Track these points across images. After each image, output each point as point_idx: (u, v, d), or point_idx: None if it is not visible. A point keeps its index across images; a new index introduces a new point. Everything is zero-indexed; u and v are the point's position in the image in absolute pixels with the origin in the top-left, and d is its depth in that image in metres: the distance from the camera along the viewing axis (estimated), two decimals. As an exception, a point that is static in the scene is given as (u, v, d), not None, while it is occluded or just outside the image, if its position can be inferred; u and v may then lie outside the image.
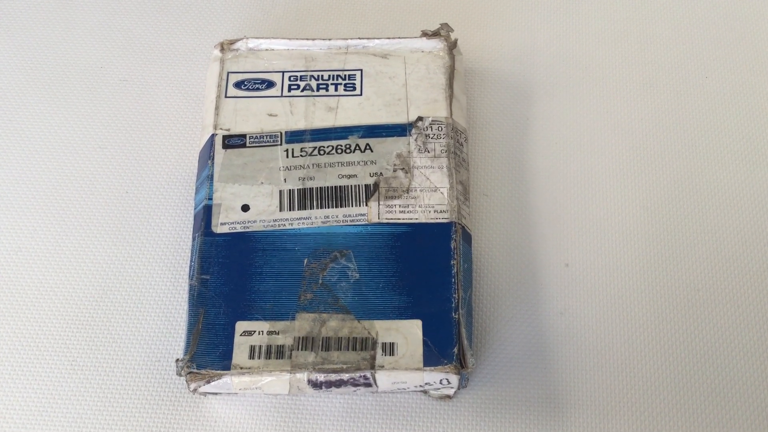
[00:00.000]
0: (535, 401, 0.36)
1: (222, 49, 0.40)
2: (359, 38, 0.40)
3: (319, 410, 0.36)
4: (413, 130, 0.38)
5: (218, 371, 0.33)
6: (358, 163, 0.37)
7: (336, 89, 0.39)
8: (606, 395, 0.36)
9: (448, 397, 0.36)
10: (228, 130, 0.38)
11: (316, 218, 0.36)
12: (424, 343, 0.33)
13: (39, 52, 0.44)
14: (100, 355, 0.37)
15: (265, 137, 0.38)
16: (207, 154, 0.38)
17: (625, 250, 0.39)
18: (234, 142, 0.38)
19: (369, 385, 0.33)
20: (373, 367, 0.33)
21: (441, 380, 0.33)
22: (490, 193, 0.41)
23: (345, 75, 0.40)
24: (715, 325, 0.37)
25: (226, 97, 0.39)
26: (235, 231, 0.36)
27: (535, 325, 0.37)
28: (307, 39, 0.40)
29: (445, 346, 0.33)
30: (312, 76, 0.40)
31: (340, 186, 0.37)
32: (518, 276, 0.38)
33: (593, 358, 0.37)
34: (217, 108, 0.39)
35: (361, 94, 0.39)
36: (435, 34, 0.41)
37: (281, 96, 0.39)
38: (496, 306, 0.38)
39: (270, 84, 0.39)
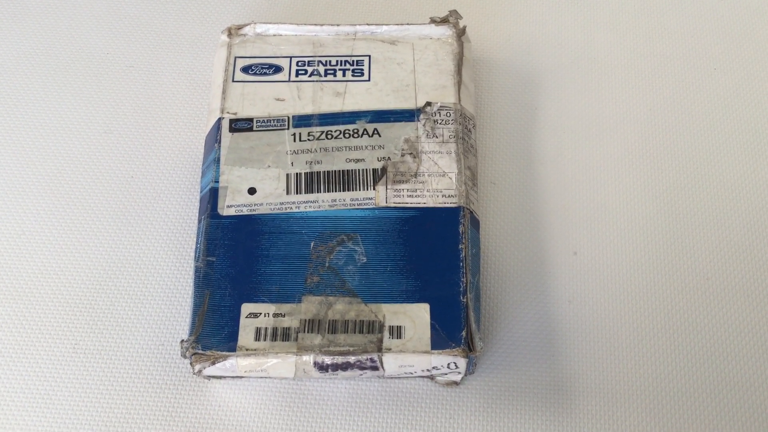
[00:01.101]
0: (542, 389, 0.35)
1: (229, 34, 0.40)
2: (367, 24, 0.40)
3: (324, 396, 0.35)
4: (421, 116, 0.38)
5: (224, 353, 0.32)
6: (366, 147, 0.37)
7: (344, 74, 0.39)
8: (614, 383, 0.36)
9: (455, 383, 0.35)
10: (235, 113, 0.38)
11: (323, 202, 0.36)
12: (432, 326, 0.33)
13: (46, 38, 0.44)
14: (103, 339, 0.36)
15: (272, 121, 0.38)
16: (214, 138, 0.37)
17: (634, 239, 0.39)
18: (241, 125, 0.38)
19: (376, 368, 0.33)
20: (380, 349, 0.32)
21: (449, 364, 0.33)
22: (498, 182, 0.40)
23: (353, 60, 0.39)
24: (724, 313, 0.37)
25: (233, 81, 0.39)
26: (241, 213, 0.35)
27: (543, 312, 0.37)
28: (315, 24, 0.40)
29: (453, 330, 0.33)
30: (320, 61, 0.39)
31: (347, 170, 0.36)
32: (526, 264, 0.38)
33: (601, 345, 0.36)
34: (224, 92, 0.38)
35: (369, 80, 0.39)
36: (444, 21, 0.40)
37: (289, 81, 0.39)
38: (504, 294, 0.37)
39: (277, 69, 0.39)
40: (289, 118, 0.38)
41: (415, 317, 0.33)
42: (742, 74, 0.43)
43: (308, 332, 0.33)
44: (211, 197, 0.36)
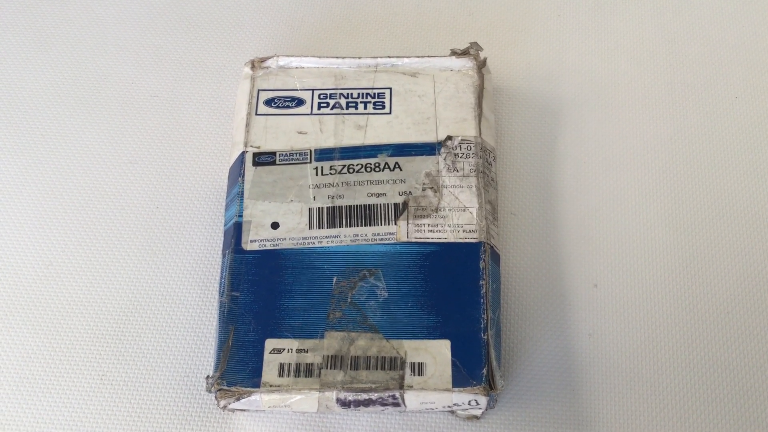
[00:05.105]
0: (563, 423, 0.36)
1: (253, 67, 0.41)
2: (388, 57, 0.41)
3: (346, 428, 0.36)
4: (442, 149, 0.38)
5: (248, 389, 0.33)
6: (387, 181, 0.37)
7: (365, 107, 0.39)
8: (635, 417, 0.36)
9: (476, 417, 0.35)
10: (258, 147, 0.38)
11: (345, 236, 0.36)
12: (453, 363, 0.33)
13: (72, 68, 0.45)
14: (130, 370, 0.37)
15: (294, 155, 0.38)
16: (237, 171, 0.38)
17: (654, 271, 0.39)
18: (264, 159, 0.38)
19: (397, 404, 0.33)
20: (401, 387, 0.33)
21: (470, 401, 0.33)
22: (519, 212, 0.40)
23: (374, 93, 0.40)
24: (746, 346, 0.37)
25: (256, 114, 0.39)
26: (264, 248, 0.36)
27: (563, 345, 0.37)
28: (337, 57, 0.41)
29: (473, 367, 0.33)
30: (341, 94, 0.40)
31: (369, 204, 0.37)
32: (546, 296, 0.38)
33: (622, 379, 0.36)
34: (247, 125, 0.39)
35: (390, 113, 0.39)
36: (464, 53, 0.41)
37: (311, 114, 0.39)
38: (525, 326, 0.38)
39: (300, 102, 0.40)
40: (311, 151, 0.38)
41: (436, 354, 0.34)
42: (763, 103, 0.43)
43: (331, 368, 0.33)
44: (235, 232, 0.36)
